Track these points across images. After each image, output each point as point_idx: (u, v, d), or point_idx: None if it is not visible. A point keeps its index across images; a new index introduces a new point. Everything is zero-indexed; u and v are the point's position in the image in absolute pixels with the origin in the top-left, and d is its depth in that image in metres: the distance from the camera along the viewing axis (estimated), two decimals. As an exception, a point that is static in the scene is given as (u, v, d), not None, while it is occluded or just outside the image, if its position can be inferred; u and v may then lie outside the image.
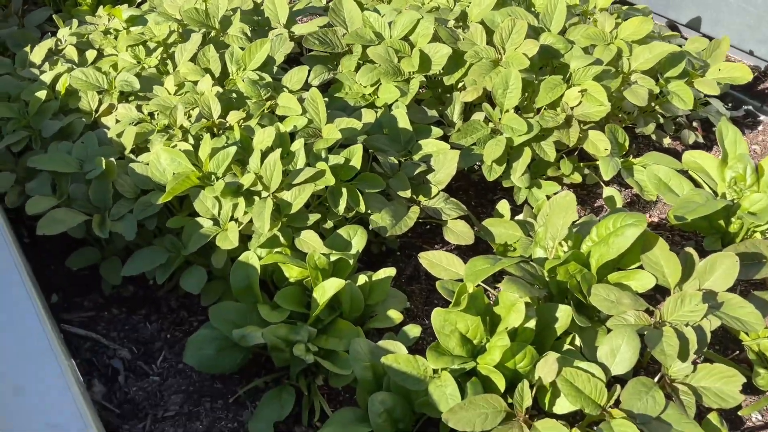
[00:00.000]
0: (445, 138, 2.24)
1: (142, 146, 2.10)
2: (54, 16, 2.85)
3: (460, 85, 2.41)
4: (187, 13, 2.37)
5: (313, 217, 1.89)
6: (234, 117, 2.06)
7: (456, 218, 2.07)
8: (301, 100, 2.16)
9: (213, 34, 2.47)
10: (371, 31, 2.40)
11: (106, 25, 2.81)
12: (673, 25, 3.02)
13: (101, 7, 3.04)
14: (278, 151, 1.86)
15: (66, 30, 2.70)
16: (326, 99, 2.17)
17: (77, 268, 2.07)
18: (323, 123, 2.06)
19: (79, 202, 1.98)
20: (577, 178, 2.27)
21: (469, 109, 2.40)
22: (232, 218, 1.87)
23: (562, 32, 2.38)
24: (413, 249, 2.27)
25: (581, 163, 2.36)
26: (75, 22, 2.83)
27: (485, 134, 2.20)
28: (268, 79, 2.24)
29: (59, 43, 2.65)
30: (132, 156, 2.07)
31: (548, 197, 2.23)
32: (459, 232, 2.04)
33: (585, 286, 1.75)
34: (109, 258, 2.04)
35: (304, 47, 2.47)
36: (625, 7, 2.60)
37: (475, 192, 2.49)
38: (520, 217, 2.14)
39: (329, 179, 1.86)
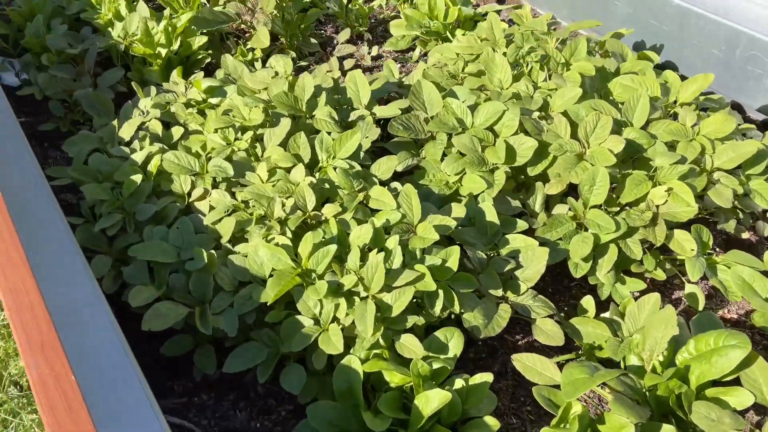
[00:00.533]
0: (528, 230, 2.27)
1: (237, 234, 2.14)
2: (133, 84, 2.91)
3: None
4: (277, 98, 2.42)
5: (412, 320, 1.92)
6: (330, 211, 2.09)
7: (545, 317, 2.10)
8: (391, 190, 2.20)
9: (298, 114, 2.52)
10: (453, 118, 2.44)
11: (184, 94, 2.87)
12: (738, 106, 3.04)
13: (174, 71, 3.10)
14: (381, 255, 1.89)
15: (148, 101, 2.76)
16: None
17: (172, 355, 2.10)
18: (417, 219, 2.09)
19: (179, 293, 2.02)
20: (660, 275, 2.28)
21: (549, 198, 2.43)
22: (333, 318, 1.89)
23: (644, 126, 2.41)
24: (494, 338, 2.29)
25: (662, 257, 2.38)
26: (153, 89, 2.89)
27: (571, 229, 2.22)
28: (358, 167, 2.28)
29: (141, 114, 2.71)
30: (229, 246, 2.10)
31: (633, 294, 2.26)
32: (549, 331, 2.06)
33: (686, 402, 1.76)
34: (203, 345, 2.07)
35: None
36: (702, 98, 2.63)
37: (551, 278, 2.51)
38: (606, 314, 2.16)
39: (429, 284, 1.88)
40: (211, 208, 2.22)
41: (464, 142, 2.35)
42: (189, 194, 2.29)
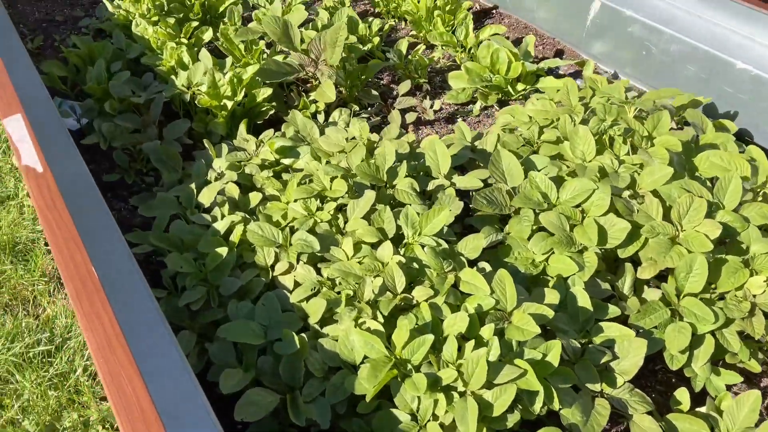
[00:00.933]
0: (621, 317, 2.21)
1: (325, 315, 2.09)
2: (205, 142, 2.88)
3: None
4: (360, 169, 2.38)
5: (512, 418, 1.85)
6: (421, 294, 2.04)
7: (643, 413, 2.02)
8: (479, 270, 2.14)
9: (378, 183, 2.48)
10: (538, 193, 2.39)
11: (256, 153, 2.84)
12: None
13: (241, 126, 3.08)
14: (483, 350, 1.84)
15: (222, 161, 2.73)
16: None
17: (256, 438, 2.04)
18: (511, 306, 2.03)
19: (268, 377, 1.96)
20: (755, 367, 2.21)
21: (637, 279, 2.36)
22: (432, 415, 1.83)
23: (736, 208, 2.35)
24: (581, 427, 2.21)
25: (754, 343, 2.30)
26: (225, 148, 2.86)
27: (665, 318, 2.15)
28: (444, 245, 2.23)
29: (218, 176, 2.67)
30: (317, 326, 2.05)
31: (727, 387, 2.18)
32: (647, 429, 1.98)
33: None
34: (287, 430, 2.01)
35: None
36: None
37: (635, 360, 2.43)
38: (702, 409, 2.08)
39: (533, 383, 1.82)
40: (297, 284, 2.17)
41: (551, 220, 2.29)
42: (272, 267, 2.24)
